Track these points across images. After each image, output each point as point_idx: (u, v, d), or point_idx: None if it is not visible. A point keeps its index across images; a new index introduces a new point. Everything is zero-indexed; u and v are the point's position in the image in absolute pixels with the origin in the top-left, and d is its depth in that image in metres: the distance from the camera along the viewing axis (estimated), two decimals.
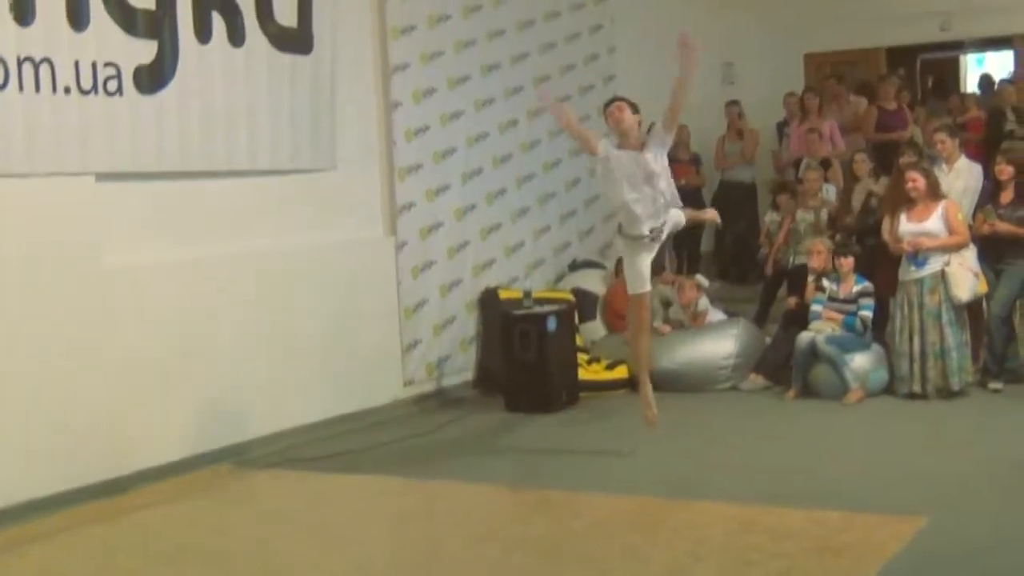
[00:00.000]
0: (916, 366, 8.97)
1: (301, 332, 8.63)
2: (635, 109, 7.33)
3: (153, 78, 7.62)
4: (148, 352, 7.56)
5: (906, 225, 9.03)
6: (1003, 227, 9.05)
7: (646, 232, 7.30)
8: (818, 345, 9.14)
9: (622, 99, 7.48)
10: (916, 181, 9.05)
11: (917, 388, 8.97)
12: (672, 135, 7.35)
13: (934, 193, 9.07)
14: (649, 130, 7.30)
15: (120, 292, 7.42)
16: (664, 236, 7.50)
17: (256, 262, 8.38)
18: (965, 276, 8.89)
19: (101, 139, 7.32)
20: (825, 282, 9.52)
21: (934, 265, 8.92)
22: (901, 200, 9.17)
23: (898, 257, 9.17)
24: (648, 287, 7.59)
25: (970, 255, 9.00)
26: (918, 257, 8.95)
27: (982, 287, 8.99)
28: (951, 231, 8.94)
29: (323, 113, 8.81)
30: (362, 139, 9.31)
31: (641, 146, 7.22)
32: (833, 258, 9.57)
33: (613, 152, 7.29)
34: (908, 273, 9.04)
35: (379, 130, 9.48)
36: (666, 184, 7.30)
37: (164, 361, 7.67)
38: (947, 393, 8.91)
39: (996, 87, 13.83)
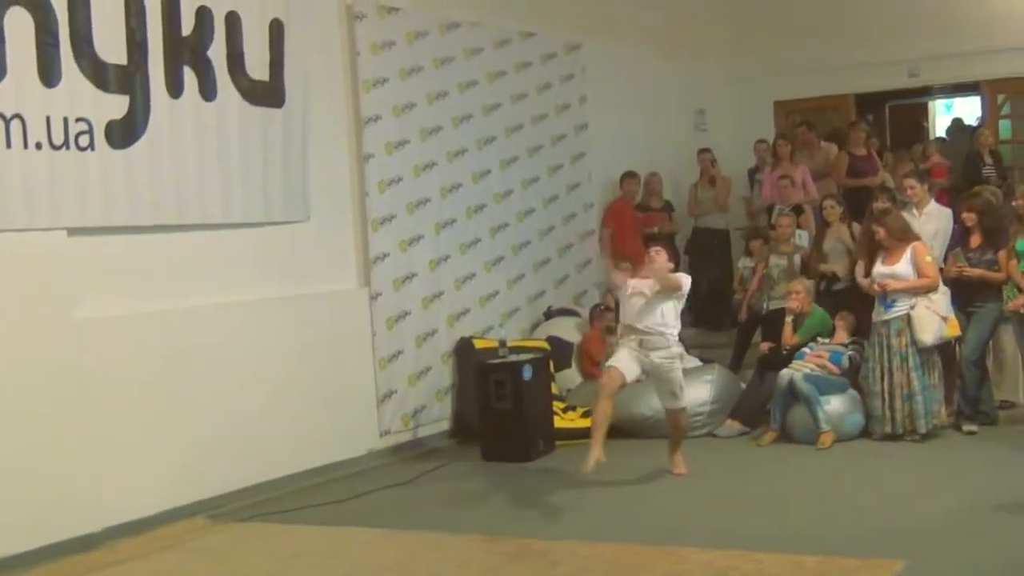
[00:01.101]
0: (886, 407, 9.03)
1: (276, 384, 8.60)
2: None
3: (125, 133, 7.63)
4: (121, 405, 7.52)
5: (879, 267, 9.13)
6: (972, 272, 9.12)
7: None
8: (795, 383, 9.19)
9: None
10: (879, 232, 9.18)
11: (887, 428, 9.04)
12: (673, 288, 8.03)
13: (904, 236, 9.16)
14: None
15: (93, 345, 7.38)
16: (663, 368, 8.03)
17: (230, 314, 8.36)
18: (931, 320, 8.94)
19: (73, 194, 7.31)
20: (819, 339, 9.62)
21: (901, 307, 9.00)
22: (874, 245, 9.26)
23: (871, 300, 9.25)
24: (619, 368, 7.95)
25: (940, 298, 9.05)
26: (887, 299, 9.03)
27: (951, 331, 9.03)
28: (920, 273, 9.02)
29: (295, 165, 8.84)
30: (335, 191, 9.33)
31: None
32: (820, 301, 9.70)
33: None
34: (879, 314, 9.13)
35: (352, 181, 9.51)
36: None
37: (137, 414, 7.63)
38: (916, 435, 8.96)
39: (973, 132, 13.98)
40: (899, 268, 9.04)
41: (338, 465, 9.00)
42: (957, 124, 16.53)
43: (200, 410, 8.03)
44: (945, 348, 9.40)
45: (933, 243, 9.57)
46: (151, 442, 7.71)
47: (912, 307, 8.97)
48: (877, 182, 12.13)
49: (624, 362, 7.96)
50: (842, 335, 9.61)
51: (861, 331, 9.57)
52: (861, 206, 10.82)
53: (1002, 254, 9.06)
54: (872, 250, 9.35)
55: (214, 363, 8.18)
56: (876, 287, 9.09)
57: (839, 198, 11.18)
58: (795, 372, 9.29)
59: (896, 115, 17.05)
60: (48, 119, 7.15)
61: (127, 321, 7.67)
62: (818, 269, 10.43)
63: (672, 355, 8.03)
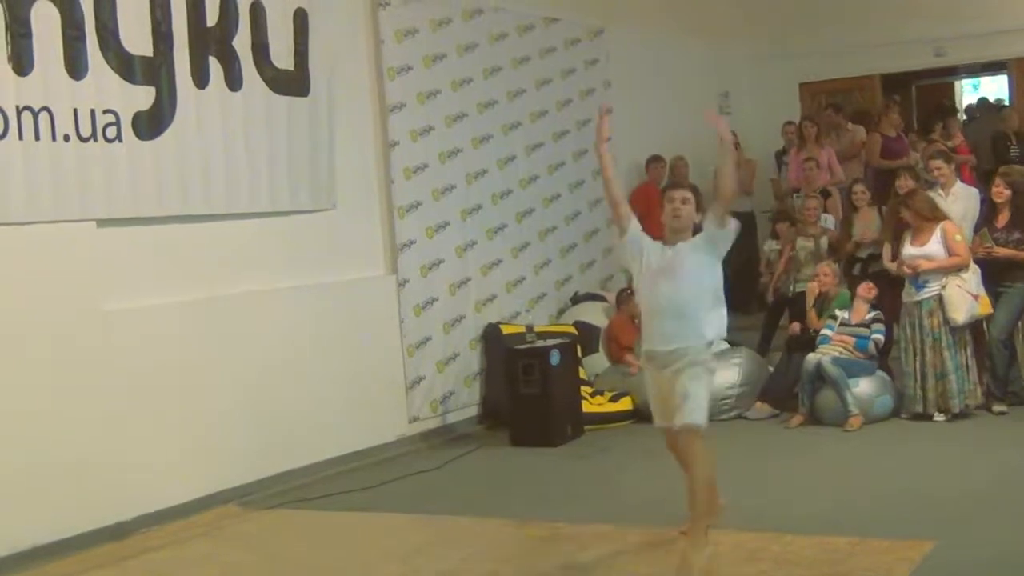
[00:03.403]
0: (918, 387, 9.02)
1: (305, 372, 8.64)
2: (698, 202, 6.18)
3: (152, 124, 7.67)
4: (150, 395, 7.58)
5: (908, 249, 9.08)
6: (1001, 252, 9.08)
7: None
8: (824, 366, 9.16)
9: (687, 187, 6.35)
10: (908, 215, 9.11)
11: (919, 408, 9.02)
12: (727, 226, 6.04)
13: (933, 216, 9.11)
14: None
15: (123, 336, 7.44)
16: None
17: (258, 303, 8.41)
18: (962, 298, 8.91)
19: (101, 185, 7.36)
20: (837, 311, 9.54)
21: (932, 288, 8.97)
22: (901, 225, 9.22)
23: (900, 281, 9.21)
24: (671, 421, 5.91)
25: (971, 277, 9.02)
26: (918, 280, 9.00)
27: (982, 309, 9.02)
28: (950, 252, 8.98)
29: (321, 154, 8.86)
30: (361, 178, 9.36)
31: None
32: (851, 283, 9.62)
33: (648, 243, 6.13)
34: (910, 295, 9.11)
35: (378, 169, 9.53)
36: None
37: (167, 404, 7.68)
38: (950, 414, 8.95)
39: (1000, 112, 13.88)
40: (930, 248, 8.99)
41: (367, 452, 9.04)
42: (984, 102, 16.41)
43: (229, 399, 8.08)
44: (976, 328, 9.37)
45: (962, 223, 9.52)
46: (181, 431, 7.76)
47: (944, 286, 8.94)
48: (912, 163, 12.08)
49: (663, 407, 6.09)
50: (862, 309, 9.53)
51: (889, 313, 9.50)
52: (891, 188, 10.76)
53: None
54: (899, 232, 9.31)
55: (243, 352, 8.22)
56: (906, 269, 9.05)
57: (869, 183, 11.12)
58: (822, 356, 9.26)
59: (923, 95, 16.95)
60: (75, 111, 7.20)
61: (156, 311, 7.72)
62: (848, 251, 10.38)
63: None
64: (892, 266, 9.36)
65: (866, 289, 9.56)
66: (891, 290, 9.55)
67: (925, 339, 8.99)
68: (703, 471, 5.88)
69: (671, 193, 6.16)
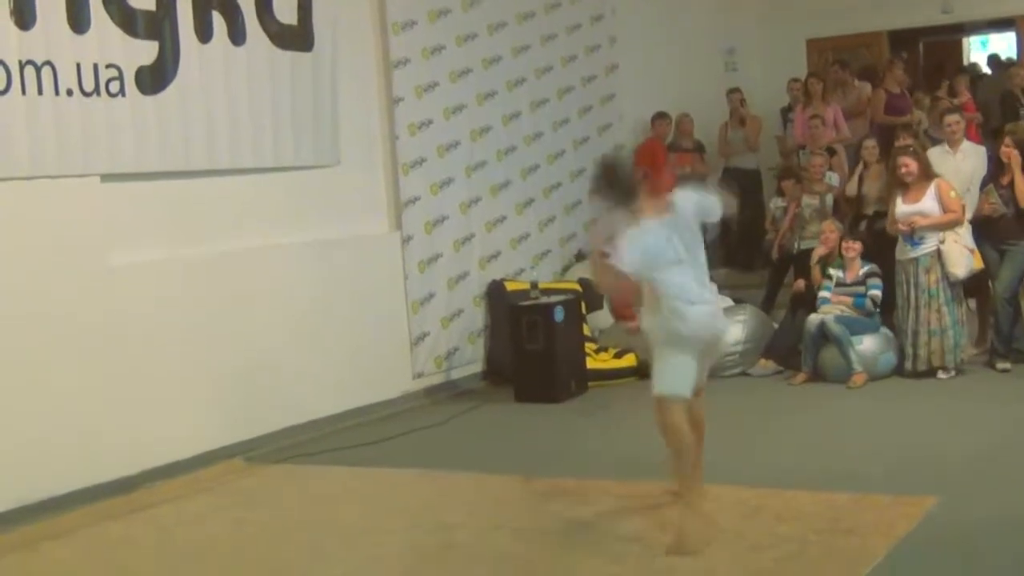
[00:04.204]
0: (910, 344, 9.08)
1: (310, 328, 8.66)
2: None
3: (155, 78, 7.65)
4: (156, 350, 7.60)
5: (901, 207, 9.08)
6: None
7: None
8: (827, 324, 9.16)
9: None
10: (908, 165, 9.10)
11: (910, 366, 9.08)
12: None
13: (926, 174, 9.10)
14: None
15: (127, 291, 7.45)
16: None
17: (262, 259, 8.41)
18: (961, 253, 8.96)
19: (104, 140, 7.35)
20: (831, 270, 9.52)
21: (929, 244, 8.99)
22: (895, 184, 9.22)
23: (890, 240, 9.25)
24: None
25: (965, 232, 9.08)
26: (914, 237, 9.00)
27: (977, 263, 9.07)
28: (945, 209, 8.98)
29: (325, 109, 8.84)
30: (365, 134, 9.33)
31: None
32: (840, 244, 9.57)
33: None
34: (904, 253, 9.11)
35: (382, 125, 9.50)
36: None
37: (172, 359, 7.71)
38: (950, 372, 9.00)
39: (1007, 69, 13.80)
40: (924, 205, 9.00)
41: (372, 407, 9.07)
42: (994, 59, 16.29)
43: (234, 354, 8.10)
44: (981, 286, 9.36)
45: (973, 181, 9.51)
46: (186, 386, 7.79)
47: (942, 242, 8.95)
48: (915, 120, 12.02)
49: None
50: (855, 267, 9.51)
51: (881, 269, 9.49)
52: (892, 146, 10.72)
53: None
54: (892, 189, 9.32)
55: (247, 307, 8.24)
56: (901, 227, 9.04)
57: (875, 137, 11.09)
58: (825, 315, 9.26)
59: (930, 52, 16.86)
60: (78, 66, 7.18)
61: (160, 266, 7.73)
62: (856, 207, 10.36)
63: None
64: (888, 223, 9.33)
65: (846, 248, 9.50)
66: (893, 247, 9.53)
67: (921, 296, 9.00)
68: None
69: None
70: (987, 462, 6.76)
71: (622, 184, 5.63)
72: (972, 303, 9.82)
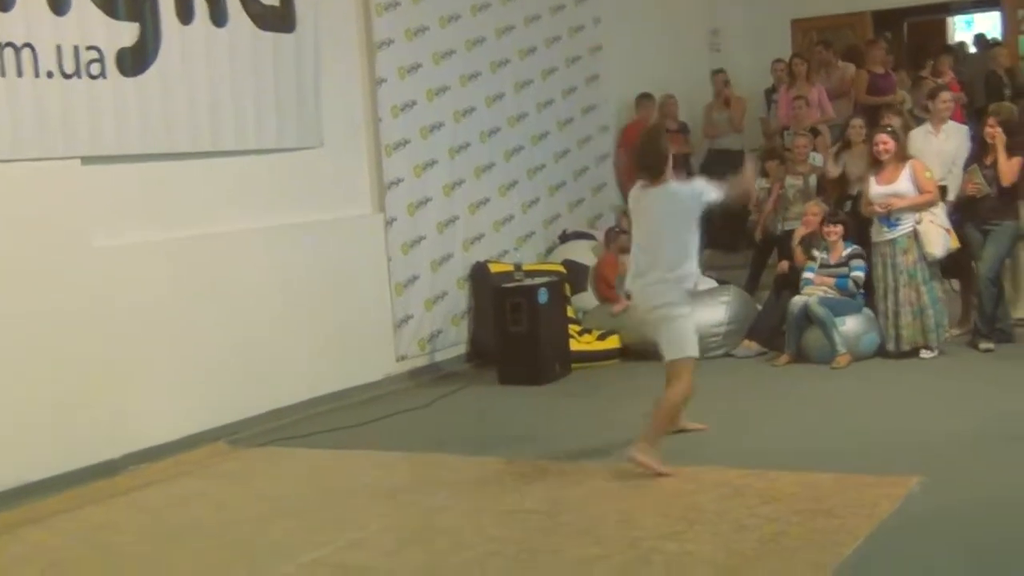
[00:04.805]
0: (890, 324, 9.08)
1: (293, 310, 8.64)
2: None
3: (136, 60, 7.60)
4: (138, 333, 7.58)
5: (876, 188, 9.10)
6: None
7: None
8: (810, 306, 9.17)
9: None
10: (886, 143, 9.11)
11: (892, 347, 9.11)
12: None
13: (901, 155, 9.12)
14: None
15: (109, 273, 7.42)
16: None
17: (245, 241, 8.39)
18: (937, 233, 9.00)
19: (85, 123, 7.31)
20: (815, 252, 9.53)
21: (906, 225, 9.00)
22: (871, 163, 9.24)
23: (864, 221, 9.28)
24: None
25: (940, 212, 9.11)
26: (890, 218, 9.01)
27: (954, 242, 9.10)
28: (920, 189, 9.00)
29: (308, 91, 8.80)
30: (348, 116, 9.30)
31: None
32: (821, 227, 9.57)
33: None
34: (881, 235, 9.13)
35: (365, 107, 9.47)
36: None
37: (154, 342, 7.69)
38: (932, 351, 9.04)
39: (991, 51, 13.82)
40: (899, 186, 9.02)
41: (355, 390, 9.07)
42: (980, 39, 16.31)
43: (217, 337, 8.08)
44: (965, 267, 9.37)
45: (957, 161, 9.53)
46: (169, 369, 7.77)
47: (918, 222, 8.97)
48: (898, 100, 12.02)
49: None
50: (839, 248, 9.50)
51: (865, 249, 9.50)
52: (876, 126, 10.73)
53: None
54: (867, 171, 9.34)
55: (230, 290, 8.22)
56: (877, 208, 9.05)
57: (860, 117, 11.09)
58: (808, 297, 9.27)
59: (914, 32, 16.85)
60: (59, 48, 7.13)
61: (142, 248, 7.70)
62: (840, 188, 10.36)
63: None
64: (863, 204, 9.33)
65: (827, 232, 9.50)
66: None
67: (899, 277, 9.03)
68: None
69: None
70: (969, 442, 6.78)
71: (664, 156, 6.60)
72: (955, 283, 9.83)
